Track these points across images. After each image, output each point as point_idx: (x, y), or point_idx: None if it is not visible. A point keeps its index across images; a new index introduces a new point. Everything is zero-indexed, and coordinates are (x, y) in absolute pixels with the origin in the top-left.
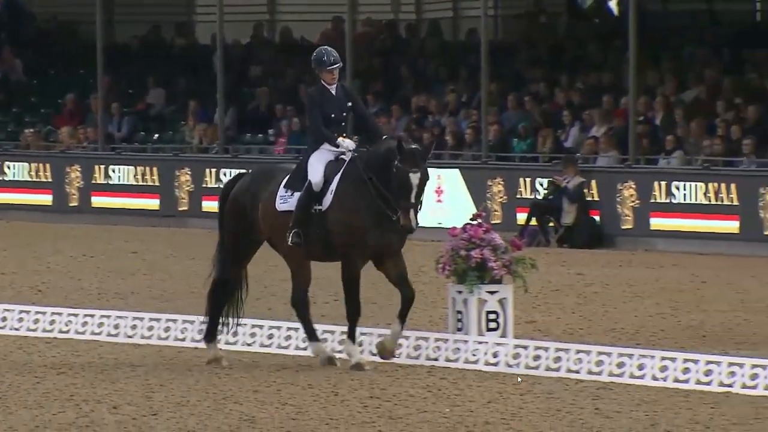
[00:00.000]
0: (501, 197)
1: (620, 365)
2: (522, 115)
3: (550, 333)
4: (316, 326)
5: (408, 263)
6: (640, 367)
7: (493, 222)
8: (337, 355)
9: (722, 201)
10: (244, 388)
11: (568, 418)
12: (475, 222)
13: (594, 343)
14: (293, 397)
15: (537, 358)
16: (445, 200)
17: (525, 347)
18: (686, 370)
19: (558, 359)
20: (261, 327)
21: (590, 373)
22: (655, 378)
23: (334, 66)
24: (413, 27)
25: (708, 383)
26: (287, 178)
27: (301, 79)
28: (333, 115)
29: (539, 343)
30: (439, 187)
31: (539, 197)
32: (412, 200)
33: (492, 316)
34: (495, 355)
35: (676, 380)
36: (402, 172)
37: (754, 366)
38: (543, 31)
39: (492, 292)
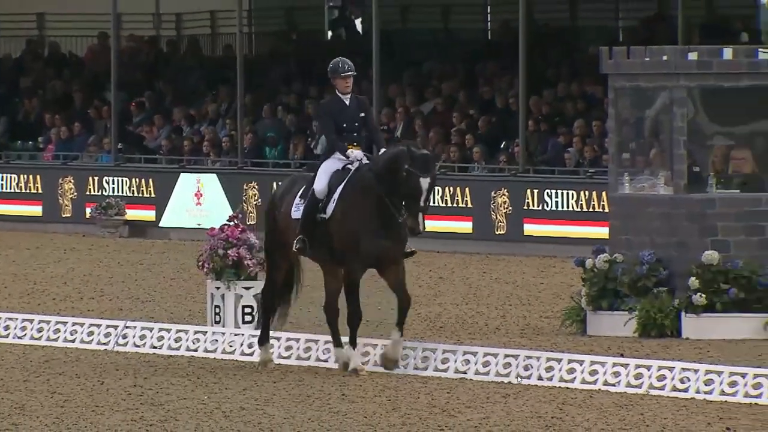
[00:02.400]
0: (255, 200)
1: (365, 354)
2: (275, 124)
3: (302, 325)
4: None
5: (170, 262)
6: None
7: (248, 223)
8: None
9: (457, 204)
10: (15, 378)
11: (317, 403)
12: (231, 223)
13: (341, 334)
14: (61, 387)
15: (289, 348)
16: (204, 203)
17: (278, 338)
18: (425, 359)
19: (308, 349)
20: (31, 321)
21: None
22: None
23: (348, 73)
24: (174, 43)
25: (445, 370)
26: (303, 188)
27: (68, 90)
28: (345, 125)
29: (291, 335)
30: (198, 191)
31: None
32: (421, 204)
33: (248, 310)
34: (250, 346)
35: (416, 368)
36: (413, 177)
37: (486, 354)
38: (294, 47)
39: (248, 288)
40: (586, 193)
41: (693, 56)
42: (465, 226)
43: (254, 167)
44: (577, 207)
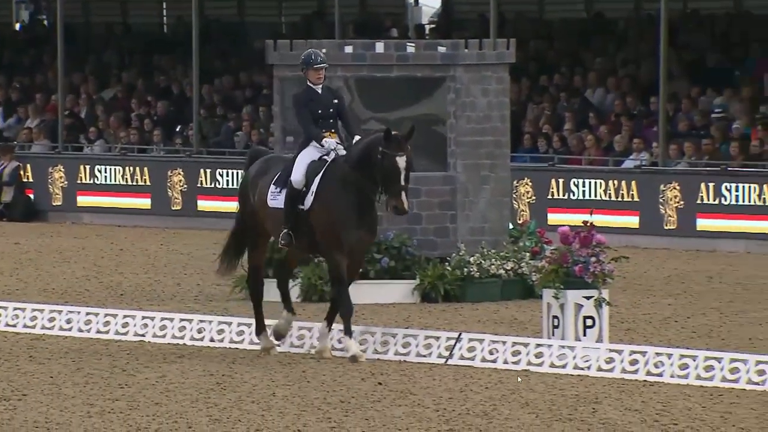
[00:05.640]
0: None
1: (51, 320)
2: None
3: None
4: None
5: None
6: (69, 321)
7: None
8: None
9: (137, 182)
10: None
11: (6, 365)
12: None
13: (29, 301)
14: None
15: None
16: None
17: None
18: (107, 323)
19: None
20: None
21: (26, 326)
22: (81, 330)
23: (321, 65)
24: None
25: (125, 334)
26: (278, 175)
27: None
28: (320, 111)
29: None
30: None
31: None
32: (402, 183)
33: None
34: None
35: (99, 331)
36: (389, 158)
37: (163, 319)
38: None
39: None
40: None
41: (349, 49)
42: (144, 203)
43: None
44: None
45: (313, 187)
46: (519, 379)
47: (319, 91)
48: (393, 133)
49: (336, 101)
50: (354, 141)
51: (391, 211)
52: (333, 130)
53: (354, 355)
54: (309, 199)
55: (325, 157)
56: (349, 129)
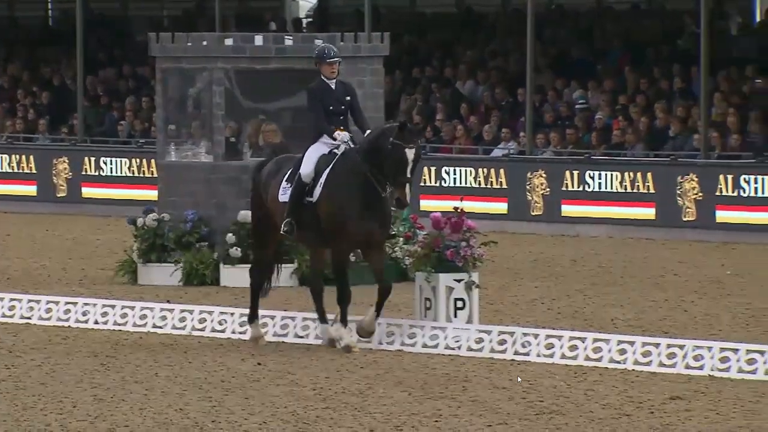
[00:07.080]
0: None
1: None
2: None
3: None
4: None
5: None
6: None
7: None
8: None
9: (23, 169)
10: None
11: None
12: None
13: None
14: None
15: (285, 326)
16: None
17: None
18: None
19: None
20: None
21: None
22: None
23: (334, 59)
24: None
25: (11, 317)
26: (289, 171)
27: None
28: (332, 108)
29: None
30: None
31: None
32: (408, 175)
33: None
34: None
35: None
36: (398, 148)
37: (49, 302)
38: None
39: None
40: (138, 160)
41: (229, 42)
42: (30, 190)
43: None
44: (130, 172)
45: (322, 179)
46: (519, 379)
47: (333, 86)
48: (406, 125)
49: (348, 97)
50: (367, 133)
51: (395, 204)
52: (342, 127)
53: (348, 344)
54: (317, 190)
55: (336, 150)
56: (361, 124)
